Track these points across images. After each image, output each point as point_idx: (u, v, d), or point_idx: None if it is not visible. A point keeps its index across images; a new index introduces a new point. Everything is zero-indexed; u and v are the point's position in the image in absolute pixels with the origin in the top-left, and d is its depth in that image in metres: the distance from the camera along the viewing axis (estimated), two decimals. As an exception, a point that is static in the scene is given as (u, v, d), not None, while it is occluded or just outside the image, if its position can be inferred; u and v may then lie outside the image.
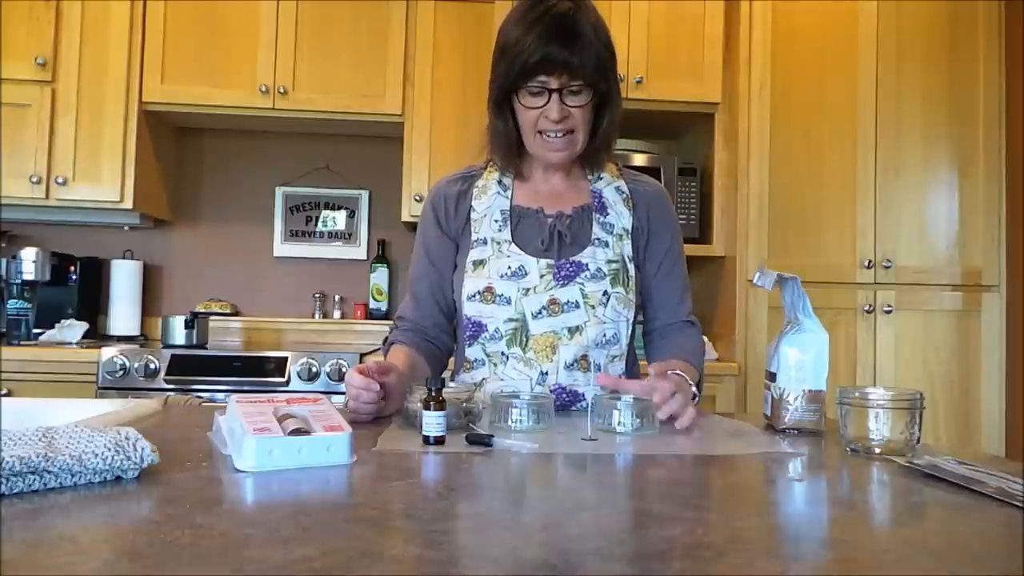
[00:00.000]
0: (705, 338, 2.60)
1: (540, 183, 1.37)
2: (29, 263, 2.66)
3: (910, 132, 2.60)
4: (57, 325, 2.65)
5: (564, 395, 1.26)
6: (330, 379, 2.44)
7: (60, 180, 2.62)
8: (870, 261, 2.56)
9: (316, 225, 3.13)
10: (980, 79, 2.62)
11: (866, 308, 2.55)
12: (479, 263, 1.30)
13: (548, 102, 1.22)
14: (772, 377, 1.15)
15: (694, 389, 1.18)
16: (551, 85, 1.21)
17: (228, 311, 3.02)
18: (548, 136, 1.26)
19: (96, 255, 2.95)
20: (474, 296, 1.29)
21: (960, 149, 2.62)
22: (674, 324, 1.39)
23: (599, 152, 1.33)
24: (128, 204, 2.67)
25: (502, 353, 1.28)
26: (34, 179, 2.60)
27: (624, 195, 1.36)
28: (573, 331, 1.27)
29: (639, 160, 2.69)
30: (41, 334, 2.64)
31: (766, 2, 2.56)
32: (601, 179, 1.37)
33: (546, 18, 1.19)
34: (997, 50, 2.62)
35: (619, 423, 1.05)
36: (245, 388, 2.40)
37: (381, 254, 3.10)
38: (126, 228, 3.00)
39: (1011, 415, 2.55)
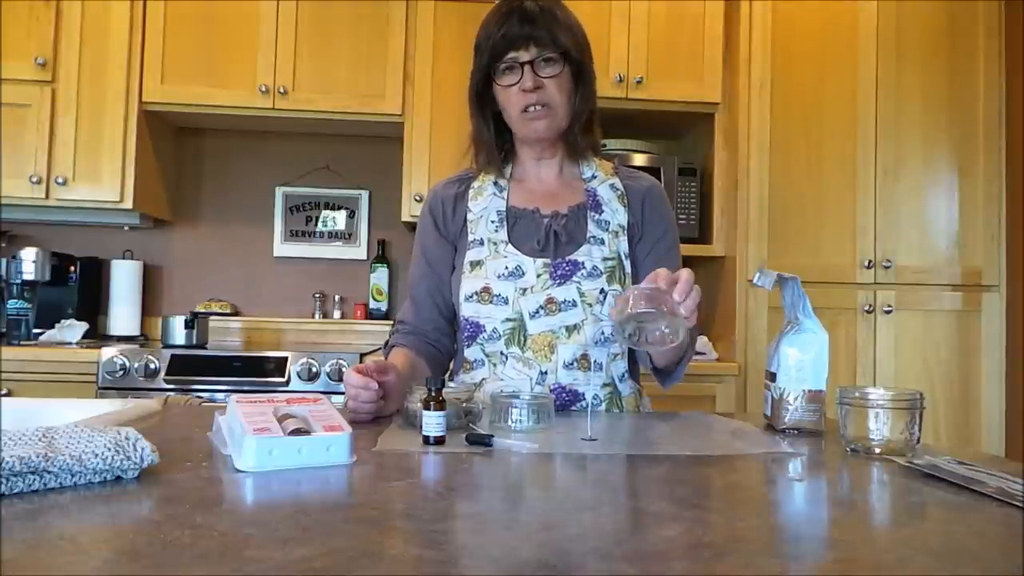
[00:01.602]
0: (705, 338, 2.62)
1: (535, 183, 1.38)
2: (29, 263, 2.66)
3: (910, 132, 2.60)
4: (57, 325, 2.65)
5: (564, 394, 1.26)
6: (330, 379, 2.44)
7: (60, 180, 2.62)
8: (870, 261, 2.56)
9: (316, 225, 3.13)
10: (980, 79, 2.62)
11: (866, 308, 2.55)
12: (476, 264, 1.30)
13: (522, 76, 1.26)
14: (772, 377, 1.15)
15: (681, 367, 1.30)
16: (522, 59, 1.26)
17: (228, 311, 3.02)
18: (528, 111, 1.28)
19: (96, 255, 2.95)
20: (471, 296, 1.29)
21: (960, 149, 2.62)
22: None
23: (577, 134, 1.34)
24: (128, 204, 2.67)
25: (501, 353, 1.28)
26: (34, 179, 2.60)
27: (619, 192, 1.36)
28: (571, 330, 1.27)
29: (639, 160, 2.68)
30: (41, 334, 2.64)
31: (766, 2, 2.56)
32: (595, 177, 1.38)
33: (508, 8, 1.27)
34: (997, 50, 2.62)
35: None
36: (245, 388, 2.40)
37: (381, 254, 3.10)
38: (126, 228, 3.00)
39: (1011, 415, 2.55)
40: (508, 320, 1.27)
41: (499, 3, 1.30)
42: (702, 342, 2.59)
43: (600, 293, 1.27)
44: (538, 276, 1.28)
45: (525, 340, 1.27)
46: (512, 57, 1.26)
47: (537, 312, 1.27)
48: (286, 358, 2.46)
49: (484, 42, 1.28)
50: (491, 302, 1.28)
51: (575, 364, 1.27)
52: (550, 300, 1.27)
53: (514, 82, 1.27)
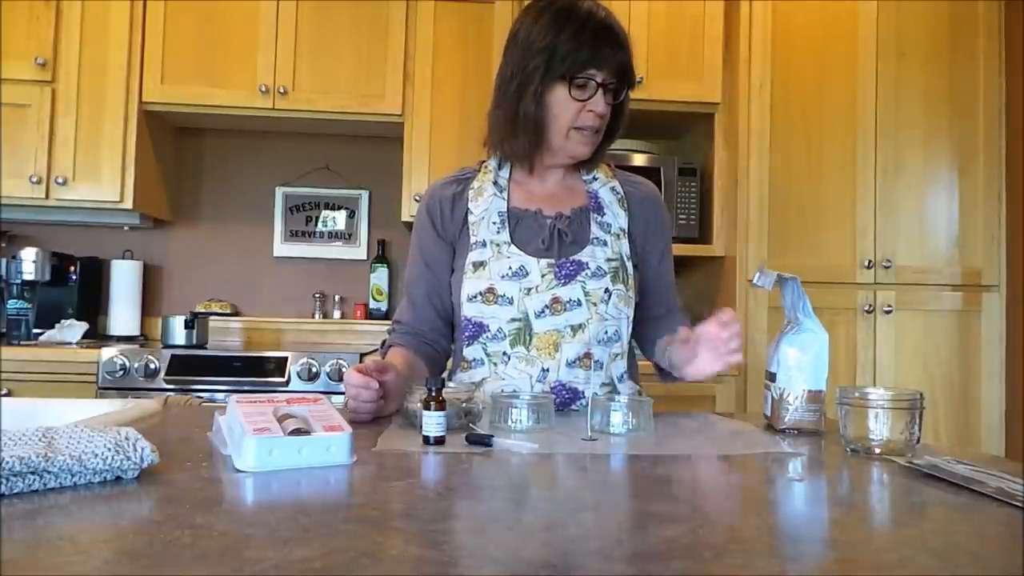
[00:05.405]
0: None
1: (536, 186, 1.38)
2: (29, 263, 2.65)
3: (910, 131, 2.60)
4: (57, 325, 2.65)
5: (564, 392, 1.27)
6: (330, 379, 2.44)
7: (60, 180, 2.62)
8: (870, 261, 2.56)
9: (316, 225, 3.13)
10: (980, 79, 2.62)
11: (866, 308, 2.55)
12: (479, 264, 1.30)
13: (593, 96, 1.24)
14: (772, 377, 1.15)
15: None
16: (598, 78, 1.24)
17: (228, 311, 3.02)
18: (583, 131, 1.27)
19: (96, 255, 2.95)
20: (475, 297, 1.29)
21: (960, 148, 2.62)
22: (671, 310, 1.44)
23: (601, 154, 1.36)
24: (128, 204, 2.67)
25: (503, 353, 1.29)
26: (34, 179, 2.60)
27: (619, 196, 1.38)
28: (576, 329, 1.27)
29: (639, 160, 2.68)
30: (41, 334, 2.64)
31: (766, 2, 2.56)
32: (596, 180, 1.39)
33: (592, 20, 1.23)
34: (997, 50, 2.62)
35: (613, 424, 1.05)
36: (245, 388, 2.40)
37: (381, 254, 3.10)
38: (126, 228, 3.00)
39: (1011, 415, 2.55)
40: (514, 320, 1.27)
41: (564, 6, 1.25)
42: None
43: (604, 292, 1.28)
44: (542, 276, 1.28)
45: (531, 339, 1.27)
46: (591, 74, 1.23)
47: (543, 312, 1.27)
48: (286, 358, 2.46)
49: (558, 45, 1.22)
50: (496, 302, 1.28)
51: (577, 362, 1.27)
52: (555, 300, 1.27)
53: (584, 98, 1.24)
